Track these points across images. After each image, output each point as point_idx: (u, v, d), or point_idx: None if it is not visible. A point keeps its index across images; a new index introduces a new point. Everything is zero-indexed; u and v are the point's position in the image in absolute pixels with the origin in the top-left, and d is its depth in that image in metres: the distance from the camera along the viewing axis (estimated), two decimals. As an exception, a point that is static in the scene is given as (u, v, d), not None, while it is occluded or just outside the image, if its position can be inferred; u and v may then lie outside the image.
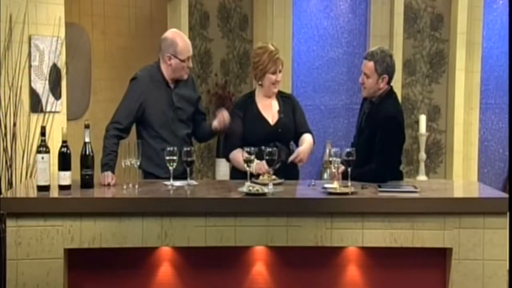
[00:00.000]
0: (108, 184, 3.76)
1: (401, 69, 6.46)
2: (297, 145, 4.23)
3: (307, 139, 4.24)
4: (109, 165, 3.88)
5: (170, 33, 4.20)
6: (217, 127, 4.18)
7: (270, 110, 4.26)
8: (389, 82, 4.10)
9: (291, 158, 4.10)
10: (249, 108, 4.26)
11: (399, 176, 4.11)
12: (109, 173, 3.83)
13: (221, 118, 4.13)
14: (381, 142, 3.94)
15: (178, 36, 4.15)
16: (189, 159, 3.70)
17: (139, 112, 4.09)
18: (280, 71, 4.21)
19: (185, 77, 4.17)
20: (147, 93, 4.10)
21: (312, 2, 6.56)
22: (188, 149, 3.71)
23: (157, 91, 4.12)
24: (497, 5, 6.64)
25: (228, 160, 4.33)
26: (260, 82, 4.24)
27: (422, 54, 6.61)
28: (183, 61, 4.10)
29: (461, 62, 6.42)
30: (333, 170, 3.73)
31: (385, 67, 4.04)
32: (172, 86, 4.17)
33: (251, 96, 4.34)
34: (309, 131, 4.32)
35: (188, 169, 3.74)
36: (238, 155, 4.12)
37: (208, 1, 6.50)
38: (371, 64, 4.03)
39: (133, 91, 4.12)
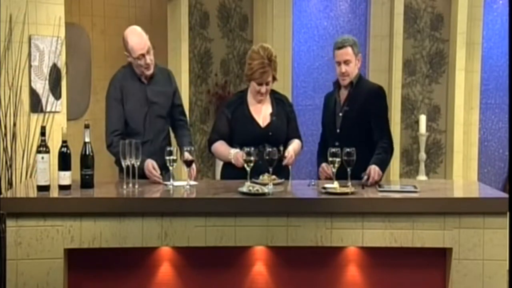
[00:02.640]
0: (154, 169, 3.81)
1: (401, 69, 6.47)
2: (284, 148, 4.15)
3: (295, 141, 4.24)
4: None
5: (126, 31, 4.13)
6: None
7: (261, 112, 4.22)
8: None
9: (285, 161, 4.06)
10: (240, 109, 4.22)
11: None
12: (148, 160, 3.85)
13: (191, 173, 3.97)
14: (380, 117, 4.16)
15: (129, 35, 4.08)
16: (189, 159, 3.69)
17: (123, 108, 4.10)
18: (267, 83, 4.13)
19: (148, 73, 4.11)
20: (123, 88, 4.11)
21: (312, 2, 6.57)
22: (188, 148, 3.71)
23: (131, 87, 4.13)
24: (497, 5, 6.64)
25: (211, 152, 4.32)
26: (248, 83, 4.24)
27: (422, 54, 6.61)
28: (136, 58, 4.05)
29: (461, 62, 6.43)
30: (321, 170, 3.99)
31: (358, 47, 4.21)
32: (145, 81, 4.15)
33: (242, 96, 4.29)
34: (298, 137, 4.30)
35: (187, 169, 3.75)
36: (218, 146, 4.18)
37: (208, 1, 6.50)
38: (348, 49, 4.14)
39: (112, 93, 4.12)
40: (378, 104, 4.18)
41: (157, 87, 4.19)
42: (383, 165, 3.98)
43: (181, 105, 4.36)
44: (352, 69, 4.16)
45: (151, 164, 3.86)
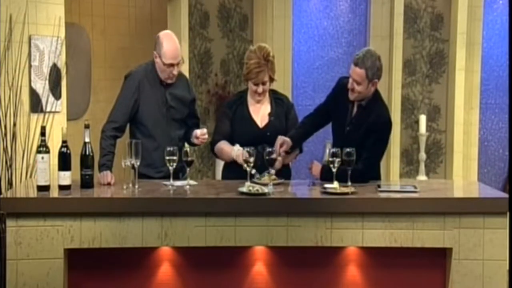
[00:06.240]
0: (108, 184, 3.76)
1: (401, 69, 6.47)
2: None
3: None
4: (106, 165, 3.88)
5: (163, 33, 4.15)
6: (196, 142, 4.17)
7: (260, 112, 4.21)
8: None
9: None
10: (239, 109, 4.22)
11: (378, 177, 4.07)
12: (108, 172, 3.83)
13: (198, 135, 4.11)
14: (373, 145, 3.90)
15: (167, 39, 4.07)
16: (189, 159, 3.69)
17: (134, 109, 4.08)
18: (264, 83, 4.11)
19: (169, 81, 4.11)
20: (141, 89, 4.09)
21: (312, 2, 6.57)
22: (188, 149, 3.71)
23: (150, 88, 4.11)
24: (497, 5, 6.64)
25: (214, 154, 4.31)
26: (246, 83, 4.23)
27: (422, 54, 6.61)
28: (165, 65, 4.04)
29: (461, 62, 6.43)
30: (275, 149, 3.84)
31: (375, 72, 3.86)
32: (165, 84, 4.15)
33: (242, 96, 4.29)
34: None
35: (188, 169, 3.75)
36: (222, 145, 4.15)
37: (208, 1, 6.51)
38: (362, 71, 3.83)
39: (127, 88, 4.11)
40: (377, 138, 3.89)
41: (176, 91, 4.18)
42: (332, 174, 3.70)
43: (198, 118, 4.38)
44: (360, 90, 3.86)
45: (110, 176, 3.84)
